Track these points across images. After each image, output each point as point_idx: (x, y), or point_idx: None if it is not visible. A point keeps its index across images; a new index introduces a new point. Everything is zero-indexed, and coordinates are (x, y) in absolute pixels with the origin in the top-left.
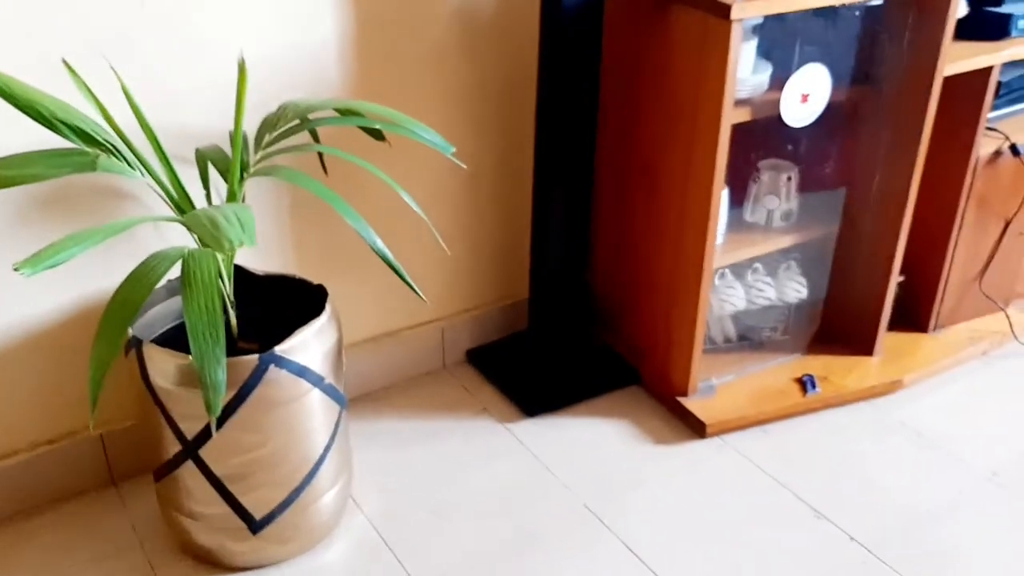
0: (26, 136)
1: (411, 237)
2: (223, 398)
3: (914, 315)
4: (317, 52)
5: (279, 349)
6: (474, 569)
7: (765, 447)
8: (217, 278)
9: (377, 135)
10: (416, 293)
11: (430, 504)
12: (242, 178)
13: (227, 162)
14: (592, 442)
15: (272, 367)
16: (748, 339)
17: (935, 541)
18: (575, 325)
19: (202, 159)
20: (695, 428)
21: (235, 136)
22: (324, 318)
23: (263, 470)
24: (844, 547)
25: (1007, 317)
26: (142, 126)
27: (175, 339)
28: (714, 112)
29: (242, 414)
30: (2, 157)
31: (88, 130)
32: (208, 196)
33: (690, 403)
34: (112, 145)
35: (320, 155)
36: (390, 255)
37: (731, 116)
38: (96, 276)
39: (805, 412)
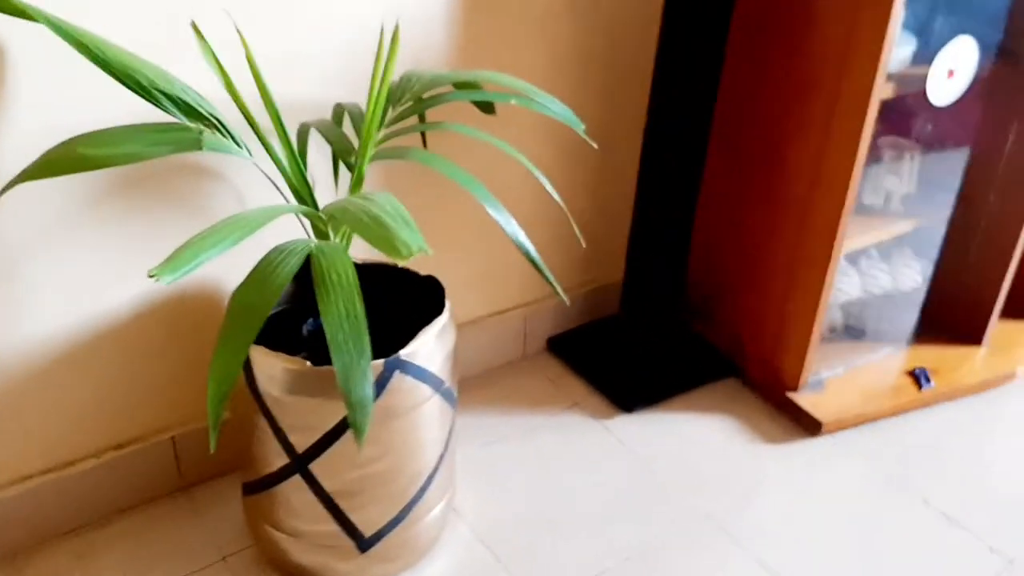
0: (105, 111)
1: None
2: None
3: (1017, 302)
4: (423, 19)
5: (404, 353)
6: None
7: (883, 447)
8: (356, 277)
9: (489, 109)
10: (557, 292)
11: (535, 512)
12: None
13: (343, 141)
14: (698, 441)
15: (397, 373)
16: (853, 329)
17: None
18: (668, 312)
19: (327, 134)
20: (807, 426)
21: (371, 112)
22: (446, 316)
23: (377, 485)
24: (984, 559)
25: None
26: (264, 99)
27: (266, 335)
28: (864, 85)
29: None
30: (88, 133)
31: (191, 102)
32: (336, 178)
33: (801, 399)
34: (217, 120)
35: (423, 134)
36: (533, 252)
37: (880, 91)
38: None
39: (919, 407)
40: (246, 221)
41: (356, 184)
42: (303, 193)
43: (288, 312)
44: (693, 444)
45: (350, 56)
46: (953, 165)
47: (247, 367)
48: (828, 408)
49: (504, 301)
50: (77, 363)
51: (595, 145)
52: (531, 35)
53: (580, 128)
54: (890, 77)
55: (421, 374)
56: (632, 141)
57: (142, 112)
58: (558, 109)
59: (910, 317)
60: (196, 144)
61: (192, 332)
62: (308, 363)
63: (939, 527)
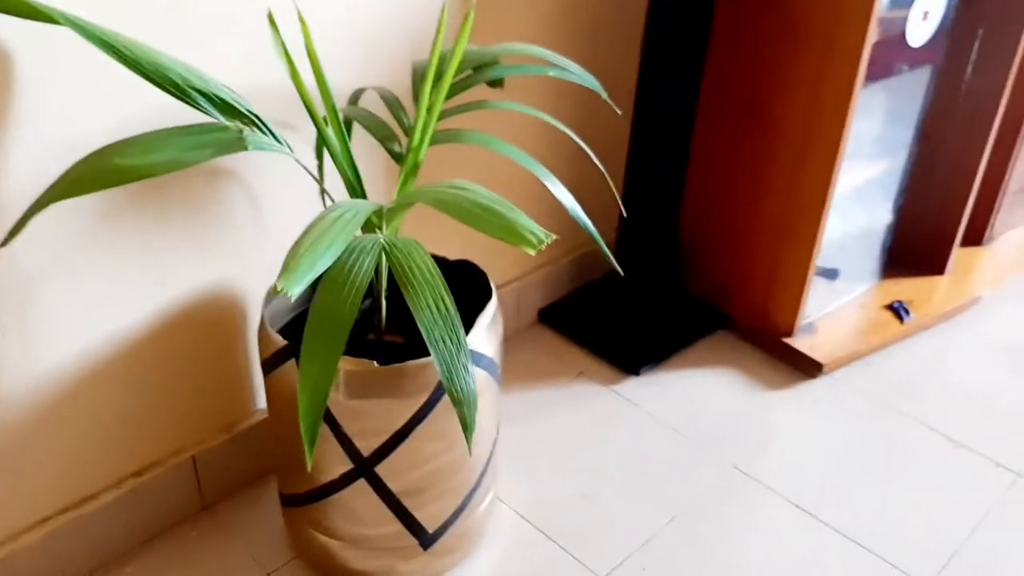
0: (118, 115)
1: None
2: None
3: (970, 229)
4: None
5: (469, 341)
6: (651, 548)
7: (878, 380)
8: (437, 269)
9: (498, 83)
10: (615, 268)
11: (571, 485)
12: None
13: (385, 128)
14: (707, 395)
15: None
16: (827, 271)
17: None
18: (660, 270)
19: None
20: (807, 368)
21: (427, 94)
22: (495, 301)
23: (442, 479)
24: (993, 474)
25: None
26: (321, 88)
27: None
28: (858, 31)
29: (430, 421)
30: (121, 142)
31: (228, 99)
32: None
33: (797, 343)
34: (255, 116)
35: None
36: (594, 231)
37: (873, 36)
38: (178, 277)
39: (903, 339)
40: (342, 221)
41: (411, 172)
42: (357, 186)
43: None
44: (703, 399)
45: (353, 43)
46: (916, 105)
47: None
48: (824, 349)
49: (498, 277)
50: (91, 391)
51: (619, 111)
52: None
53: (604, 95)
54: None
55: (480, 361)
56: (623, 99)
57: (162, 113)
58: (587, 79)
59: (880, 254)
60: (240, 144)
61: (208, 344)
62: (375, 363)
63: (946, 449)
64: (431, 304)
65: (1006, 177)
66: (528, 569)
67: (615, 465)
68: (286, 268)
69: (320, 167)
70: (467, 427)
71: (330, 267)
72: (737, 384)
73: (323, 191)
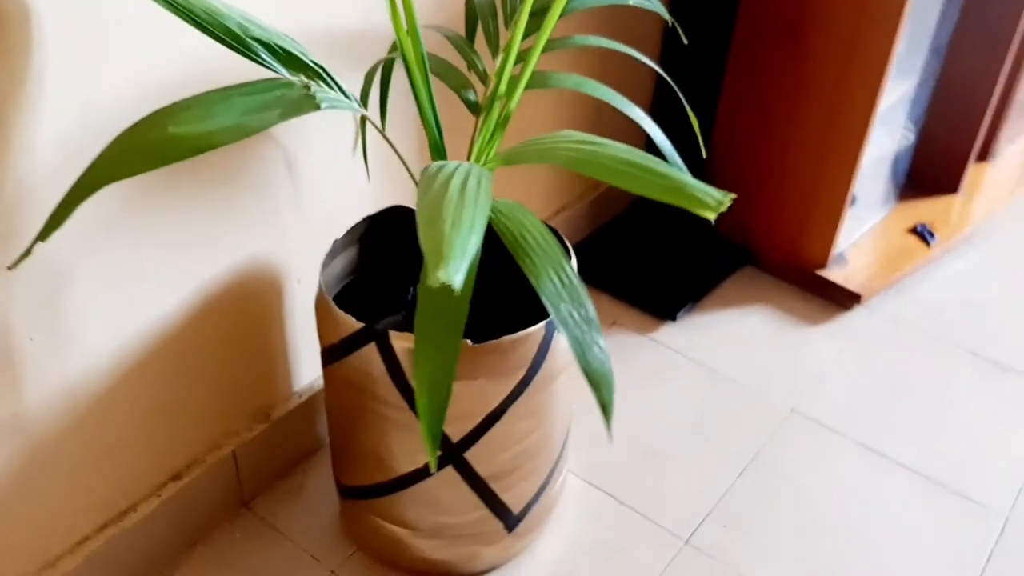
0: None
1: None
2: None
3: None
4: None
5: None
6: (727, 504)
7: (914, 307)
8: (552, 236)
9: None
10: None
11: (633, 445)
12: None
13: (458, 75)
14: (750, 337)
15: (555, 335)
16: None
17: None
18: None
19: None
20: (841, 301)
21: (518, 25)
22: (574, 263)
23: (529, 459)
24: None
25: None
26: (412, 35)
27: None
28: None
29: (523, 399)
30: (171, 107)
31: (291, 50)
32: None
33: (832, 275)
34: (322, 69)
35: None
36: (677, 158)
37: None
38: (212, 253)
39: (931, 262)
40: (470, 192)
41: (500, 125)
42: (440, 144)
43: (356, 283)
44: (747, 341)
45: None
46: (933, 23)
47: (388, 357)
48: (858, 279)
49: None
50: (125, 390)
51: (685, 41)
52: None
53: (669, 20)
54: None
55: None
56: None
57: (196, 63)
58: (657, 6)
59: (897, 177)
60: (310, 103)
61: (243, 324)
62: (469, 342)
63: (993, 374)
64: (552, 276)
65: (1014, 92)
66: (607, 537)
67: (672, 418)
68: (439, 255)
69: (383, 119)
70: (606, 409)
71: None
72: (776, 322)
73: (395, 153)
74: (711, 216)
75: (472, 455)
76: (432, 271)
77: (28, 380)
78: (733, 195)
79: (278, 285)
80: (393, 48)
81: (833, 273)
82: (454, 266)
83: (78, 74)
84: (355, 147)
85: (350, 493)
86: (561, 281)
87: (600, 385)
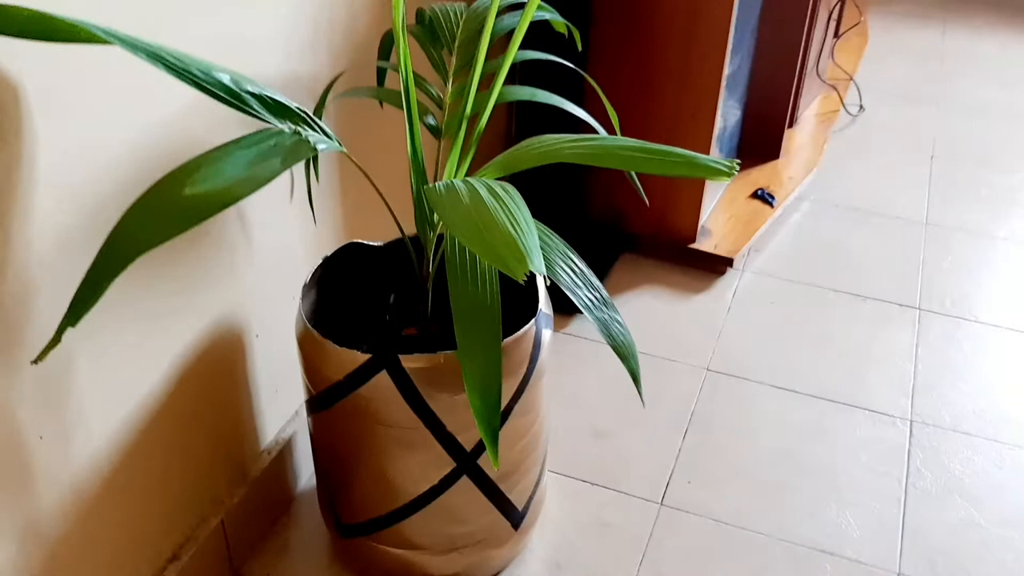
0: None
1: None
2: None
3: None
4: None
5: (543, 305)
6: (682, 464)
7: (773, 260)
8: (555, 232)
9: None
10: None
11: (577, 429)
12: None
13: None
14: (649, 313)
15: (544, 331)
16: None
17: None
18: (560, 201)
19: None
20: (715, 267)
21: (481, 44)
22: None
23: (529, 453)
24: (898, 314)
25: (837, 92)
26: (405, 69)
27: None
28: None
29: (524, 395)
30: (180, 170)
31: (280, 99)
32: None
33: (703, 246)
34: (305, 114)
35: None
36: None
37: None
38: (185, 317)
39: (774, 219)
40: (503, 199)
41: (475, 142)
42: (423, 175)
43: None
44: (646, 318)
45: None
46: (753, 7)
47: (401, 380)
48: (724, 245)
49: None
50: (123, 473)
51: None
52: None
53: (576, 34)
54: None
55: (549, 323)
56: None
57: (168, 125)
58: (558, 17)
59: (731, 152)
60: (306, 148)
61: (213, 386)
62: None
63: (854, 303)
64: (564, 267)
65: (807, 63)
66: (591, 517)
67: (607, 400)
68: (517, 253)
69: (308, 172)
70: (636, 377)
71: (450, 255)
72: (666, 297)
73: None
74: (725, 181)
75: (484, 461)
76: (516, 267)
77: (41, 481)
78: (738, 161)
79: (240, 343)
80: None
81: (703, 244)
82: (536, 258)
83: (69, 153)
84: (292, 193)
85: (354, 531)
86: (573, 271)
87: (627, 356)
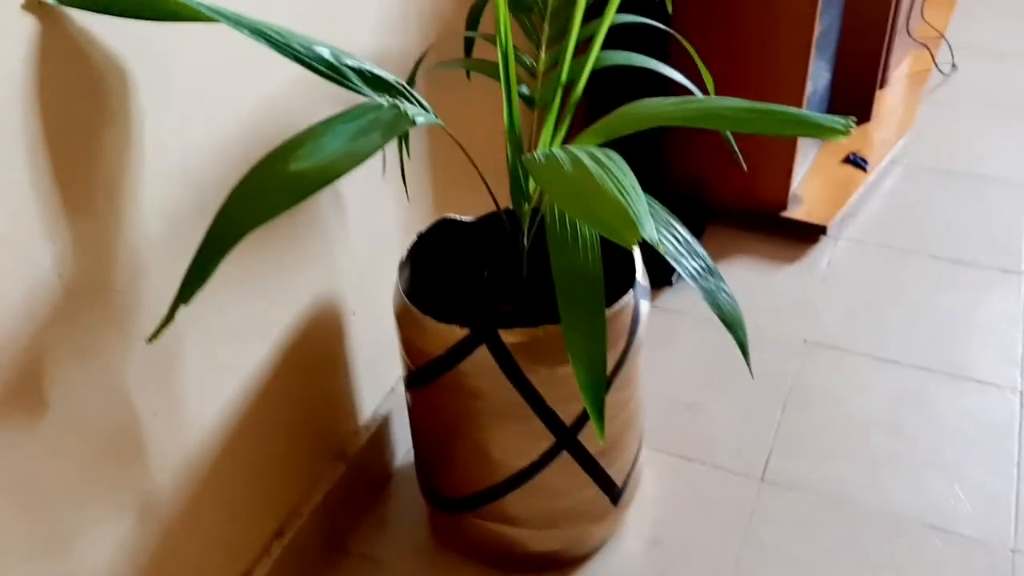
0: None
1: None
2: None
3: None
4: None
5: (640, 277)
6: (781, 439)
7: (868, 227)
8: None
9: None
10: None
11: (669, 403)
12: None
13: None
14: (741, 284)
15: (643, 302)
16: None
17: None
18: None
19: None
20: (809, 236)
21: (577, 9)
22: None
23: (627, 428)
24: (998, 279)
25: (929, 50)
26: (504, 39)
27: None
28: None
29: (624, 368)
30: (282, 147)
31: (377, 72)
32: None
33: (795, 214)
34: (403, 87)
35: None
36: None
37: None
38: (287, 295)
39: (868, 186)
40: (609, 167)
41: (571, 110)
42: (520, 146)
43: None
44: (739, 289)
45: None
46: None
47: (500, 355)
48: (817, 213)
49: None
50: (230, 452)
51: (670, 9)
52: None
53: None
54: None
55: (647, 294)
56: None
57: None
58: None
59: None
60: (406, 121)
61: (316, 368)
62: None
63: (954, 269)
64: (668, 236)
65: (897, 24)
66: (690, 493)
67: (700, 373)
68: (627, 220)
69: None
70: (744, 348)
71: (551, 226)
72: (758, 267)
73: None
74: (842, 139)
75: (584, 435)
76: (628, 235)
77: (155, 457)
78: (854, 117)
79: (337, 320)
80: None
81: (795, 212)
82: (648, 224)
83: (174, 132)
84: (384, 169)
85: (453, 505)
86: (677, 240)
87: (734, 326)
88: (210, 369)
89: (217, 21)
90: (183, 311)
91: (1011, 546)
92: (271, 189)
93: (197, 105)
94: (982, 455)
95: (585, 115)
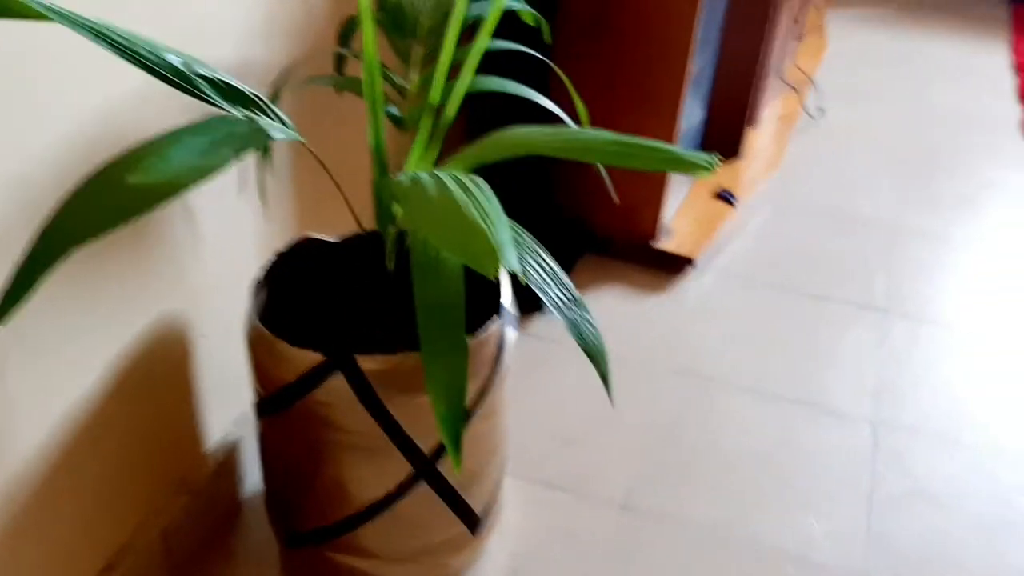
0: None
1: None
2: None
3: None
4: None
5: (506, 302)
6: (647, 469)
7: (734, 261)
8: (524, 230)
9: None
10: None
11: (545, 434)
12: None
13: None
14: (611, 313)
15: (509, 329)
16: None
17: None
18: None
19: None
20: (677, 267)
21: (450, 30)
22: None
23: (488, 458)
24: (859, 316)
25: (798, 93)
26: (369, 59)
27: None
28: None
29: (486, 399)
30: (122, 156)
31: (233, 83)
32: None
33: (666, 246)
34: (260, 99)
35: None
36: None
37: None
38: (127, 314)
39: (734, 220)
40: (475, 195)
41: (443, 131)
42: (385, 167)
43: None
44: (609, 318)
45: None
46: (720, 6)
47: (357, 383)
48: (687, 245)
49: None
50: (56, 485)
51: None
52: None
53: (545, 27)
54: None
55: (514, 322)
56: None
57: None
58: (526, 7)
59: (694, 149)
60: (261, 136)
61: (155, 390)
62: None
63: (811, 304)
64: (534, 264)
65: (767, 65)
66: (551, 523)
67: (568, 404)
68: (490, 249)
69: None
70: (607, 380)
71: (415, 251)
72: (628, 296)
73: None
74: (706, 176)
75: (443, 465)
76: (488, 264)
77: None
78: (719, 155)
79: (183, 342)
80: (279, 77)
81: (666, 244)
82: (510, 254)
83: (3, 139)
84: (243, 186)
85: (304, 539)
86: (543, 268)
87: (596, 357)
88: (34, 393)
89: (52, 20)
90: (3, 330)
91: (861, 573)
92: (105, 202)
93: (31, 110)
94: (837, 486)
95: (464, 140)
